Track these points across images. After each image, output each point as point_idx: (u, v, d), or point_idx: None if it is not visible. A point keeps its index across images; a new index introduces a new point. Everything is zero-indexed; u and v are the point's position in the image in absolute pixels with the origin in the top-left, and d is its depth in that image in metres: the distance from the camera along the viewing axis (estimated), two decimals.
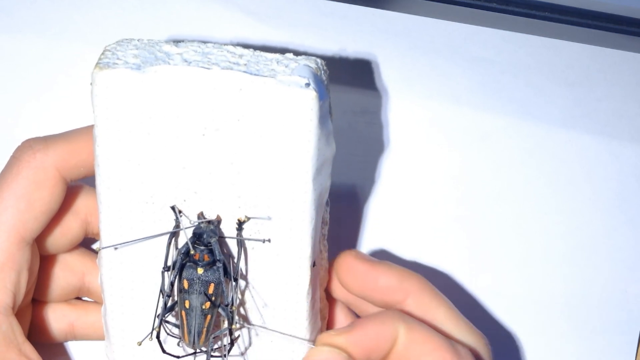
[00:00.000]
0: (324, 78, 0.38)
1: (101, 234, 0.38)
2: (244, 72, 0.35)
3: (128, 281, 0.38)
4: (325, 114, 0.37)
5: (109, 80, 0.35)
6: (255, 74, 0.35)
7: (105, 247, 0.38)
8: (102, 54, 0.36)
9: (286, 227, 0.37)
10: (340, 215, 0.47)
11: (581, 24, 0.49)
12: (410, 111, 0.49)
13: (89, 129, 0.38)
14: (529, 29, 0.50)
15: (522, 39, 0.50)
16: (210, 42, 0.38)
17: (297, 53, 0.38)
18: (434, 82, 0.49)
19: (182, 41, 0.37)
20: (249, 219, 0.37)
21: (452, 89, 0.49)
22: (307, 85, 0.35)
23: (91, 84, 0.36)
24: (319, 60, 0.38)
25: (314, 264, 0.38)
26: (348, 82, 0.49)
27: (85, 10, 0.49)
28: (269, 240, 0.37)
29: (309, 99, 0.35)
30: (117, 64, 0.36)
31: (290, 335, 0.39)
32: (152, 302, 0.38)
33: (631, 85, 0.50)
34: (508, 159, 0.49)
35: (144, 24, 0.49)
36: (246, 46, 0.38)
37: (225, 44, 0.38)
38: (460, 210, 0.49)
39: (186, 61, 0.36)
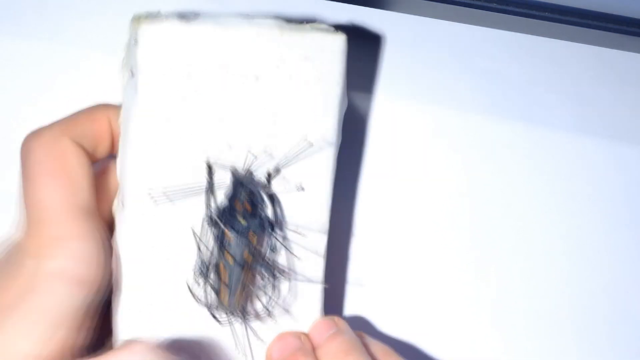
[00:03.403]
0: None
1: (126, 187, 0.38)
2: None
3: (150, 240, 0.38)
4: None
5: (159, 33, 0.36)
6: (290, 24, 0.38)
7: (156, 194, 0.37)
8: (138, 17, 0.37)
9: (311, 177, 0.39)
10: (337, 223, 0.47)
11: (581, 24, 0.49)
12: (410, 112, 0.49)
13: (82, 108, 0.39)
14: (529, 29, 0.50)
15: (522, 39, 0.50)
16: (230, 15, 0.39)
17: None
18: (433, 82, 0.49)
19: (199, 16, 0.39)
20: (279, 171, 0.38)
21: (452, 89, 0.49)
22: (336, 30, 0.39)
23: (135, 40, 0.36)
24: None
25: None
26: (348, 84, 0.49)
27: (86, 12, 0.49)
28: (302, 189, 0.39)
29: (341, 41, 0.38)
30: (162, 20, 0.37)
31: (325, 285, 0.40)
32: (171, 269, 0.38)
33: (632, 86, 0.50)
34: (508, 160, 0.49)
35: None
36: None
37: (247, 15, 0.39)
38: (461, 213, 0.49)
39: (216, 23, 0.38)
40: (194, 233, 0.38)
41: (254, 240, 0.37)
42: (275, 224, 0.38)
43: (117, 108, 0.40)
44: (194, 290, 0.38)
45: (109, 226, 0.40)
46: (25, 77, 0.48)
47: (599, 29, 0.49)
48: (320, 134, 0.39)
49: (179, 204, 0.38)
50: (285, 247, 0.39)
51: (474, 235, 0.49)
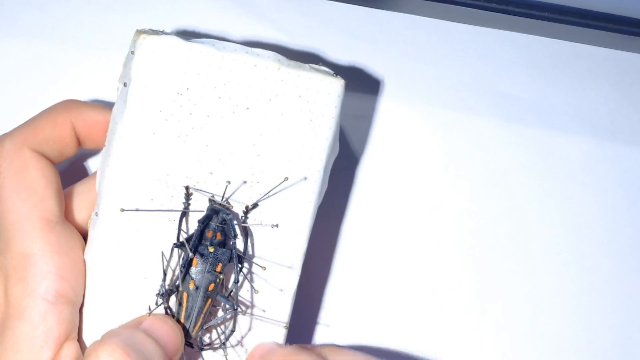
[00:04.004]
0: None
1: (103, 199, 0.37)
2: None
3: (120, 254, 0.38)
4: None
5: (157, 46, 0.36)
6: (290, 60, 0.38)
7: (127, 210, 0.37)
8: (140, 30, 0.37)
9: (288, 216, 0.38)
10: (336, 224, 0.47)
11: (581, 24, 0.49)
12: (410, 114, 0.49)
13: (43, 112, 0.39)
14: (529, 29, 0.50)
15: (522, 39, 0.50)
16: (230, 41, 0.39)
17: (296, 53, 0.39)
18: (433, 84, 0.49)
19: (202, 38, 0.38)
20: (256, 205, 0.38)
21: (452, 89, 0.49)
22: (336, 74, 0.38)
23: (132, 52, 0.36)
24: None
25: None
26: (348, 85, 0.49)
27: (87, 13, 0.49)
28: (276, 226, 0.38)
29: (338, 86, 0.38)
30: (161, 34, 0.36)
31: (283, 324, 0.39)
32: (138, 287, 0.38)
33: (632, 86, 0.50)
34: (506, 160, 0.49)
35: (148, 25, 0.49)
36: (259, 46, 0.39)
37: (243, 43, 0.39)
38: (461, 218, 0.49)
39: (215, 46, 0.37)
40: (163, 255, 0.37)
41: (219, 269, 0.37)
42: (244, 257, 0.37)
43: (80, 105, 0.39)
44: (154, 312, 0.37)
45: (84, 233, 0.39)
46: (25, 77, 0.48)
47: (599, 29, 0.49)
48: (304, 175, 0.38)
49: (153, 223, 0.37)
50: (248, 281, 0.38)
51: (469, 233, 0.49)
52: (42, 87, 0.48)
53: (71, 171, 0.46)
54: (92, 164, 0.47)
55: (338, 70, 0.48)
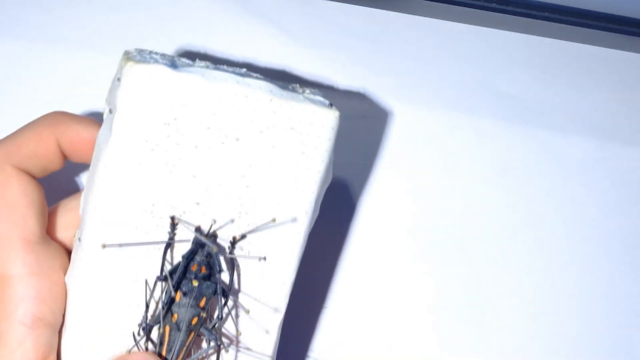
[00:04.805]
0: None
1: (86, 224, 0.36)
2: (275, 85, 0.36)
3: (102, 281, 0.37)
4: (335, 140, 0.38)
5: (144, 75, 0.35)
6: (283, 89, 0.37)
7: (109, 245, 0.36)
8: (128, 53, 0.36)
9: (276, 249, 0.37)
10: (335, 224, 0.47)
11: (581, 24, 0.49)
12: (410, 114, 0.49)
13: (28, 125, 0.37)
14: (529, 29, 0.50)
15: (522, 39, 0.50)
16: (223, 65, 0.38)
17: (302, 82, 0.38)
18: (433, 84, 0.49)
19: (195, 60, 0.38)
20: (244, 237, 0.37)
21: (452, 89, 0.49)
22: (331, 105, 0.37)
23: (118, 79, 0.35)
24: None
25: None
26: (348, 86, 0.49)
27: (87, 14, 0.49)
28: (264, 258, 0.37)
29: (333, 118, 0.36)
30: (149, 62, 0.35)
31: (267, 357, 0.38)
32: (120, 315, 0.37)
33: (632, 86, 0.50)
34: (507, 161, 0.49)
35: (150, 30, 0.49)
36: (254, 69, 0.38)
37: (236, 67, 0.38)
38: (460, 219, 0.49)
39: (204, 76, 0.36)
40: (147, 284, 0.36)
41: (203, 303, 0.36)
42: (228, 292, 0.36)
43: (67, 120, 0.38)
44: (139, 342, 0.36)
45: (69, 250, 0.38)
46: (26, 78, 0.48)
47: (599, 29, 0.49)
48: (294, 208, 0.37)
49: (137, 251, 0.36)
50: (232, 318, 0.37)
51: (466, 235, 0.49)
52: (43, 87, 0.48)
53: (62, 176, 0.46)
54: (83, 173, 0.47)
55: (339, 72, 0.48)
